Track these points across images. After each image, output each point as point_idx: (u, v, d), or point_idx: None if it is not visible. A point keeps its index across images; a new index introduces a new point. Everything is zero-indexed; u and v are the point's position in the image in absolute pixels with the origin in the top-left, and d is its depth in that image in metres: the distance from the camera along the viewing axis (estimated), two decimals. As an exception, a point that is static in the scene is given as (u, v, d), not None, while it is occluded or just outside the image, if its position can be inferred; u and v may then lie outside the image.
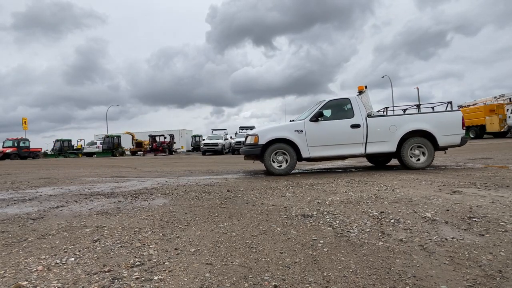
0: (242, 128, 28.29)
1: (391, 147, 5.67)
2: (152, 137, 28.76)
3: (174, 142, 30.97)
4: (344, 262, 1.56)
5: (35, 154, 28.94)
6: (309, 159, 5.84)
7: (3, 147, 27.33)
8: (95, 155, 30.55)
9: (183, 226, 2.34)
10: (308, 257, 1.64)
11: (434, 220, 2.24)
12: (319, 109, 5.83)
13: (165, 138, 29.57)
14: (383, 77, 35.37)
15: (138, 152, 29.90)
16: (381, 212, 2.51)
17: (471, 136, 22.74)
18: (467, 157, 7.96)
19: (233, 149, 22.13)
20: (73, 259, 1.71)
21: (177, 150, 33.27)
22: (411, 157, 5.70)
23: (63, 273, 1.52)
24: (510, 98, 23.54)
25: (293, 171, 6.75)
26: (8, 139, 28.05)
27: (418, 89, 35.57)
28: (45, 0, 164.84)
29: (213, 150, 22.58)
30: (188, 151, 36.06)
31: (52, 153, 31.71)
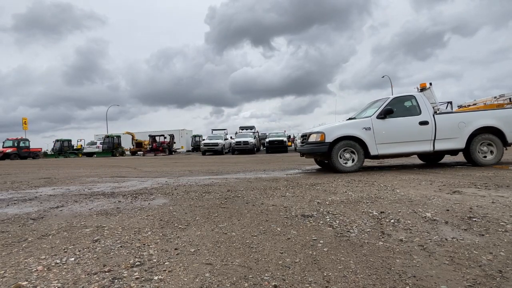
0: (242, 128, 28.29)
1: (460, 143, 5.67)
2: (152, 137, 28.75)
3: (174, 142, 30.96)
4: (344, 262, 1.56)
5: (35, 154, 28.92)
6: (377, 157, 5.83)
7: (3, 147, 27.31)
8: (95, 155, 30.52)
9: (183, 226, 2.34)
10: (308, 257, 1.64)
11: (434, 220, 2.24)
12: (386, 106, 5.80)
13: (165, 138, 29.56)
14: (383, 77, 35.32)
15: (138, 152, 29.89)
16: (381, 212, 2.51)
17: None
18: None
19: (233, 149, 22.12)
20: (73, 259, 1.71)
21: (177, 150, 33.26)
22: (483, 156, 5.72)
23: (63, 273, 1.52)
24: (510, 98, 23.50)
25: (293, 171, 6.75)
26: (8, 139, 28.03)
27: (418, 89, 35.38)
28: (45, 2, 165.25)
29: (213, 150, 22.55)
30: (188, 151, 36.06)
31: (52, 153, 31.69)
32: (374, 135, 5.68)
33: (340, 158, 5.74)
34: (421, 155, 7.29)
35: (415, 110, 5.81)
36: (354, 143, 5.69)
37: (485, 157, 5.73)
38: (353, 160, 5.75)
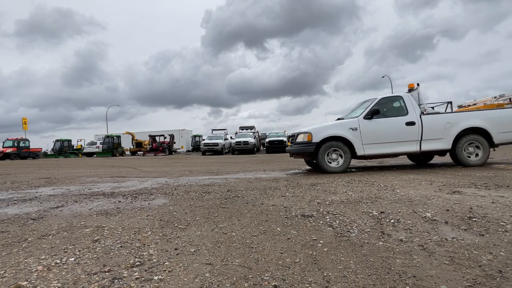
0: (242, 128, 28.29)
1: (447, 144, 5.67)
2: (152, 137, 28.74)
3: (174, 142, 30.94)
4: (344, 262, 1.56)
5: (35, 154, 28.90)
6: (364, 157, 5.83)
7: (3, 147, 27.28)
8: (95, 155, 30.52)
9: (183, 226, 2.34)
10: (308, 257, 1.64)
11: (434, 220, 2.24)
12: (373, 106, 5.82)
13: (165, 138, 29.56)
14: (383, 77, 35.42)
15: (138, 152, 29.88)
16: (381, 212, 2.51)
17: None
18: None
19: (233, 149, 22.12)
20: (73, 259, 1.71)
21: (177, 150, 33.26)
22: (469, 156, 5.72)
23: (63, 273, 1.52)
24: (510, 98, 23.54)
25: (293, 171, 6.75)
26: (8, 139, 28.01)
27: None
28: (47, 8, 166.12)
29: (213, 150, 22.53)
30: (188, 151, 36.06)
31: (52, 153, 31.68)
32: (361, 135, 5.69)
33: (328, 158, 5.78)
34: (410, 155, 7.29)
35: (402, 111, 5.82)
36: (341, 143, 5.72)
37: (471, 157, 5.73)
38: (341, 158, 5.78)
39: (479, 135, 5.66)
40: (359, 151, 5.69)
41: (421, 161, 7.25)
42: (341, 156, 5.77)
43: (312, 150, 5.72)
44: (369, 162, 8.38)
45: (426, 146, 5.71)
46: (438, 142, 5.70)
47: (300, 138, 5.95)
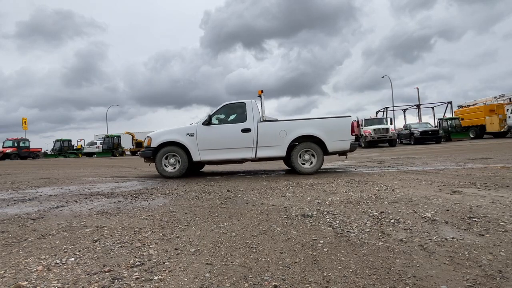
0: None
1: (281, 152, 5.74)
2: (152, 137, 28.74)
3: (174, 142, 30.94)
4: (344, 262, 1.56)
5: (35, 154, 28.90)
6: (200, 162, 5.94)
7: (3, 147, 27.29)
8: (95, 155, 30.52)
9: (183, 226, 2.34)
10: (308, 257, 1.64)
11: (434, 220, 2.24)
12: (212, 113, 5.93)
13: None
14: (383, 77, 35.36)
15: (138, 152, 29.90)
16: (381, 212, 2.51)
17: (471, 136, 22.74)
18: (467, 157, 7.96)
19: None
20: (73, 259, 1.71)
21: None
22: (303, 163, 5.79)
23: (63, 273, 1.53)
24: (510, 98, 23.55)
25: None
26: (8, 139, 28.02)
27: (418, 89, 35.55)
28: (47, 9, 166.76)
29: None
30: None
31: (52, 153, 31.68)
32: (197, 141, 5.77)
33: (167, 165, 5.90)
34: (285, 161, 7.34)
35: (242, 117, 5.88)
36: (178, 148, 5.80)
37: (309, 164, 5.79)
38: (178, 164, 5.88)
39: (314, 143, 5.72)
40: (195, 157, 5.78)
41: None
42: (178, 161, 5.87)
43: (150, 154, 5.85)
44: (369, 162, 8.38)
45: (262, 153, 5.76)
46: (273, 149, 5.75)
47: (145, 143, 6.09)
